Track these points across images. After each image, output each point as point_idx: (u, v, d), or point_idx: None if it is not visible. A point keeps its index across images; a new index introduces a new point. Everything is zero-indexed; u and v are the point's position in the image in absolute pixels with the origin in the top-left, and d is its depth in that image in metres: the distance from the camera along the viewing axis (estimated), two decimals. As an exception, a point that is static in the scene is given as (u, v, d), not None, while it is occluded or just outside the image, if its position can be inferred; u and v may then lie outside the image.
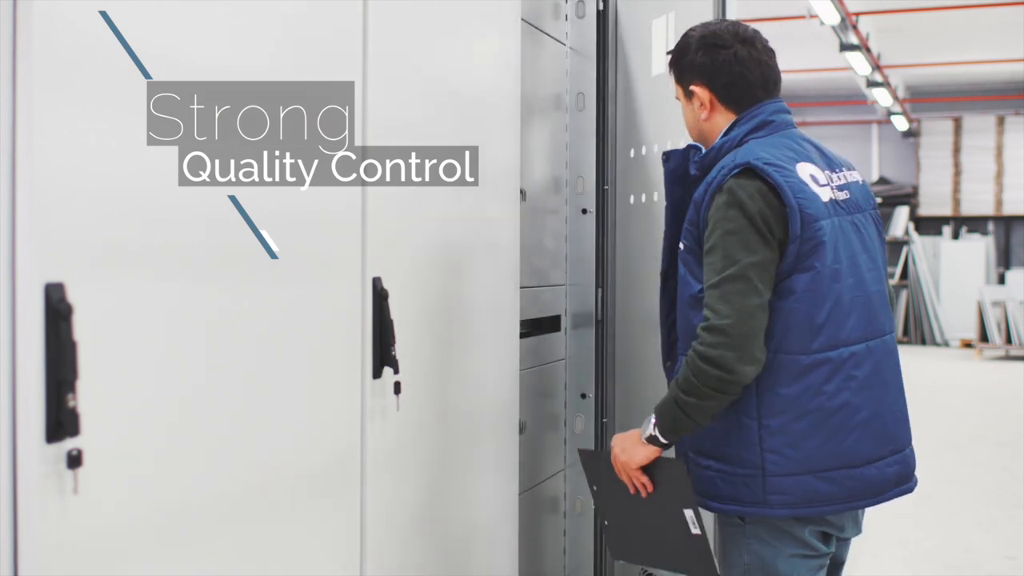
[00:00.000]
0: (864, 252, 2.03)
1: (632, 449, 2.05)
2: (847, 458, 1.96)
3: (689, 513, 2.05)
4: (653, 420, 1.99)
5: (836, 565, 2.17)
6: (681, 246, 2.04)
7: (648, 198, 3.06)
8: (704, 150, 2.09)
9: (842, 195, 2.03)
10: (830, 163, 2.08)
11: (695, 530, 2.05)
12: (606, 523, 2.25)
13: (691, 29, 2.15)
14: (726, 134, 2.07)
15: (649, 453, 2.03)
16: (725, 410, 1.95)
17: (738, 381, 1.89)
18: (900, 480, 2.04)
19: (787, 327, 1.93)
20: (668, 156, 2.13)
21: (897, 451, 2.04)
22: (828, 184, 2.01)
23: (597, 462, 2.23)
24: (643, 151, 3.07)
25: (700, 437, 2.02)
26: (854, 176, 2.11)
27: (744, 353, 1.87)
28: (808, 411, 1.93)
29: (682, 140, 3.03)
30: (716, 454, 2.00)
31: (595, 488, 2.24)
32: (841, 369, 1.95)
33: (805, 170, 1.99)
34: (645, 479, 2.06)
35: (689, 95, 2.12)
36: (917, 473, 2.13)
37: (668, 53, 2.21)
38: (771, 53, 2.12)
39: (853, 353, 1.97)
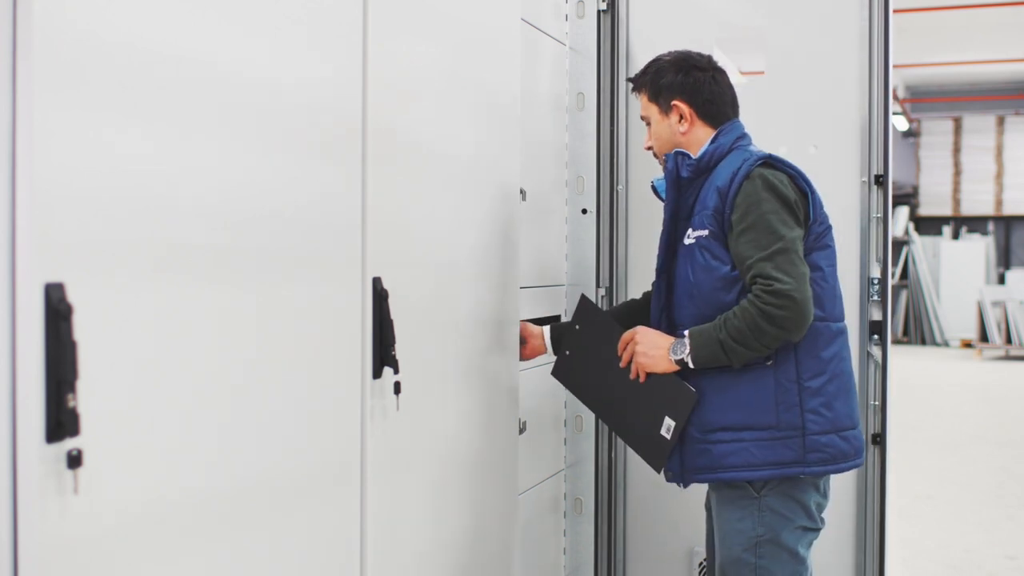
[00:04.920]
0: None
1: (657, 358, 2.22)
2: (854, 419, 2.21)
3: (670, 422, 2.19)
4: (688, 349, 2.15)
5: None
6: (704, 233, 2.19)
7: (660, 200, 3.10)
8: (692, 156, 2.28)
9: None
10: None
11: (666, 435, 2.20)
12: (567, 353, 2.47)
13: (661, 56, 2.40)
14: (713, 142, 2.30)
15: (671, 368, 2.20)
16: (760, 379, 2.13)
17: (791, 340, 2.09)
18: (865, 444, 2.37)
19: (820, 296, 2.16)
20: (667, 159, 2.31)
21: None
22: None
23: (595, 318, 2.44)
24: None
25: (725, 413, 2.15)
26: None
27: (804, 317, 2.07)
28: (837, 374, 2.17)
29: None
30: (750, 424, 2.14)
31: (577, 327, 2.47)
32: (846, 339, 2.24)
33: None
34: (646, 374, 2.25)
35: (668, 110, 2.34)
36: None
37: (629, 80, 2.49)
38: (731, 86, 2.40)
39: (847, 327, 2.26)
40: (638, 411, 2.28)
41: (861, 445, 2.22)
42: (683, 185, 2.27)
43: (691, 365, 2.17)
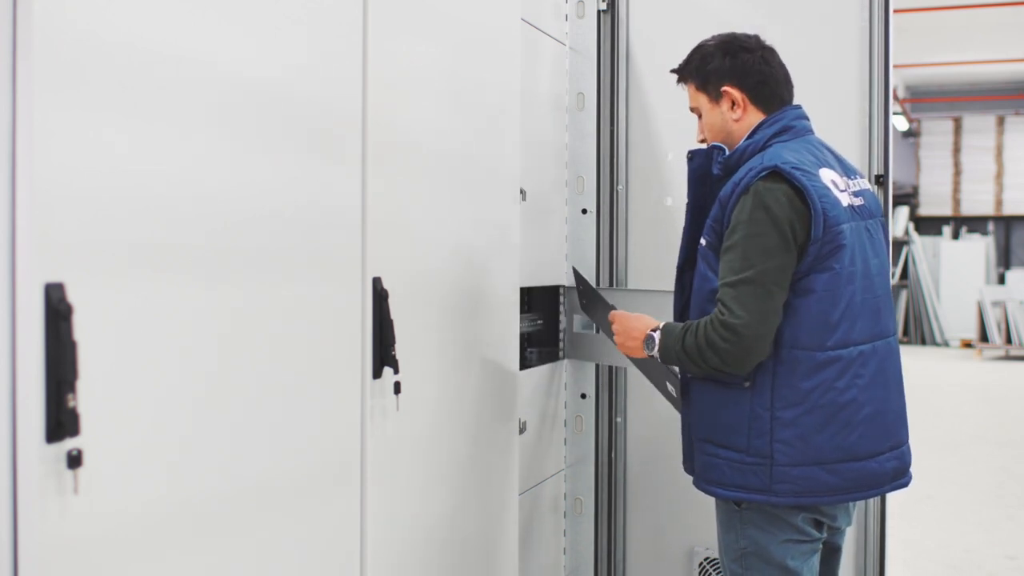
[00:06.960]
0: (875, 257, 2.14)
1: (630, 346, 2.22)
2: (852, 451, 2.04)
3: (668, 385, 2.37)
4: (657, 343, 2.13)
5: (833, 550, 2.28)
6: (703, 242, 2.11)
7: (660, 200, 3.10)
8: (727, 151, 2.15)
9: (858, 201, 2.13)
10: (846, 170, 2.18)
11: (674, 393, 2.36)
12: (584, 302, 2.65)
13: (705, 41, 2.25)
14: (750, 137, 2.15)
15: (643, 355, 2.20)
16: (738, 401, 2.05)
17: (735, 373, 2.03)
18: (897, 474, 2.13)
19: (804, 324, 2.01)
20: (692, 155, 2.20)
21: (896, 447, 2.12)
22: (846, 190, 2.11)
23: (588, 290, 2.59)
24: (668, 156, 3.09)
25: (709, 427, 2.12)
26: (865, 184, 2.22)
27: (749, 354, 1.98)
28: (820, 405, 2.02)
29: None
30: (726, 443, 2.08)
31: (580, 288, 2.64)
32: (851, 367, 2.04)
33: (827, 175, 2.08)
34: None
35: (719, 97, 2.20)
36: (916, 472, 2.22)
37: (673, 71, 2.30)
38: (783, 65, 2.26)
39: (861, 352, 2.05)
40: (649, 369, 2.42)
41: (869, 477, 2.06)
42: (713, 182, 2.15)
43: (659, 359, 2.14)
